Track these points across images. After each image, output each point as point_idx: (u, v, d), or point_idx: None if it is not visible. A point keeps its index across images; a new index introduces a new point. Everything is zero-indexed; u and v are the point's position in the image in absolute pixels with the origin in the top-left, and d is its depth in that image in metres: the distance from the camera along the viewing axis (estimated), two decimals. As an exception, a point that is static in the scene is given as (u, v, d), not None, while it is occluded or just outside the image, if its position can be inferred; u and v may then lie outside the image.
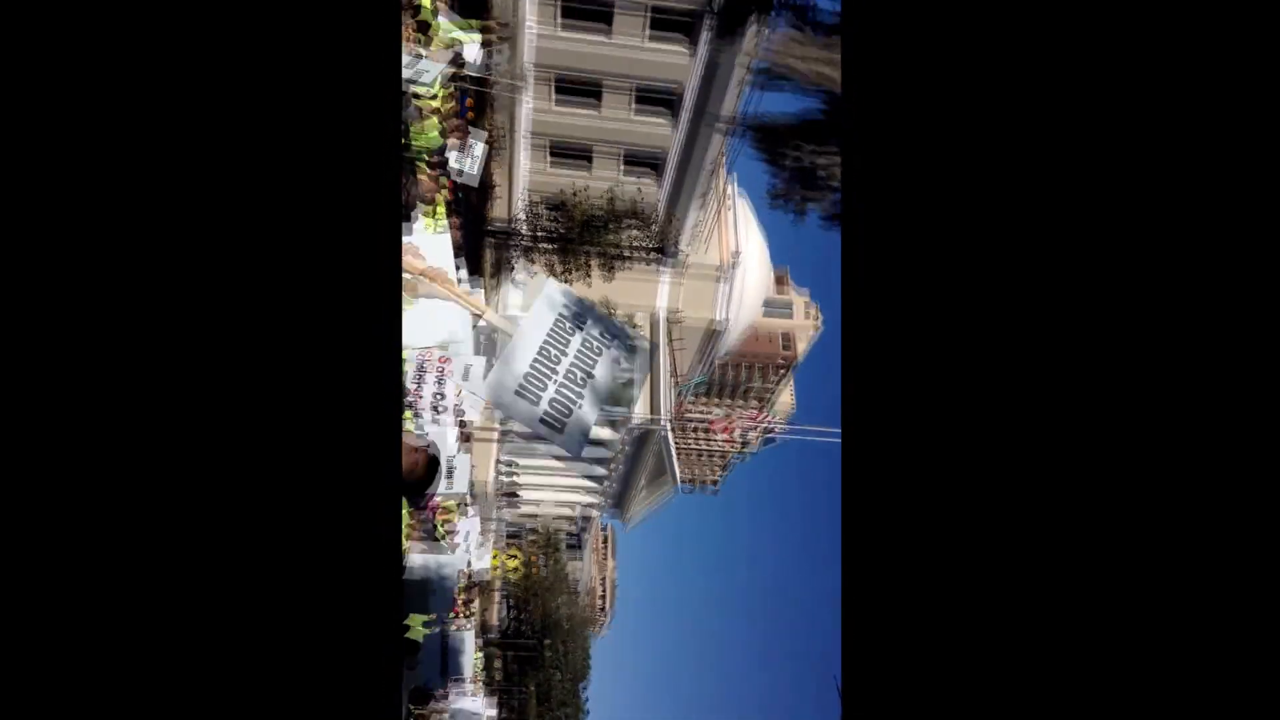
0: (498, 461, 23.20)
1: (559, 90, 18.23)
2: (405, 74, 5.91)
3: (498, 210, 19.30)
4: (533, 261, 18.63)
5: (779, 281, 22.61)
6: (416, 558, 8.67)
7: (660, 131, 18.70)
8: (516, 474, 24.20)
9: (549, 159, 19.58)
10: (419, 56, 6.97)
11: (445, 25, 8.51)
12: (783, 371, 32.48)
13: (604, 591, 40.10)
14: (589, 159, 19.58)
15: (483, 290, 16.29)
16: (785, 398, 32.01)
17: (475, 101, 12.29)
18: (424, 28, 7.50)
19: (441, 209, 9.22)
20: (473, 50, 9.46)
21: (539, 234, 18.47)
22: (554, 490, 26.26)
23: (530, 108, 18.22)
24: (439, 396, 8.46)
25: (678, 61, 17.22)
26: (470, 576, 12.75)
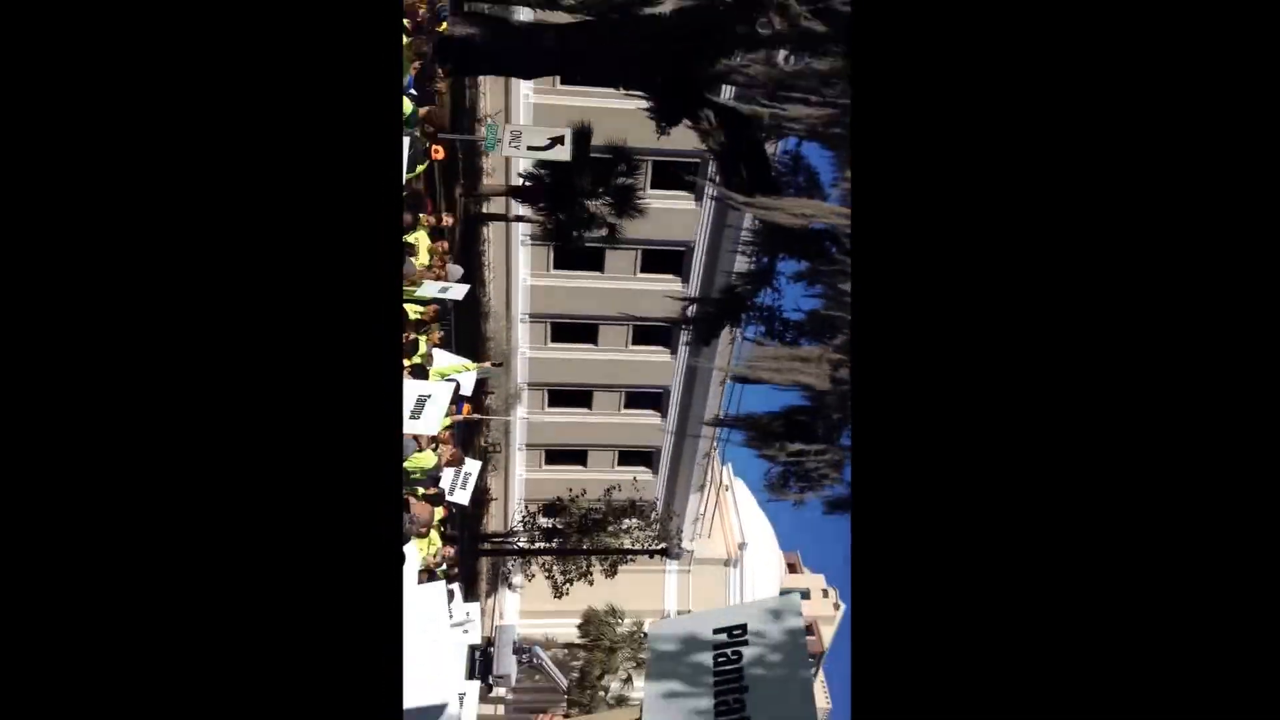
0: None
1: (551, 398, 19.23)
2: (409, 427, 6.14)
3: (494, 522, 19.12)
4: (530, 569, 17.95)
5: (791, 567, 21.69)
6: None
7: (651, 426, 19.36)
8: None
9: (543, 463, 19.96)
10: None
11: (440, 368, 9.11)
12: (813, 666, 29.75)
13: None
14: (584, 459, 19.97)
15: (479, 608, 15.36)
16: (820, 699, 28.88)
17: (471, 422, 12.79)
18: (420, 372, 7.97)
19: (436, 539, 9.00)
20: (468, 382, 10.02)
21: (536, 540, 18.05)
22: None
23: (524, 418, 19.02)
24: None
25: (660, 364, 18.46)
26: None
